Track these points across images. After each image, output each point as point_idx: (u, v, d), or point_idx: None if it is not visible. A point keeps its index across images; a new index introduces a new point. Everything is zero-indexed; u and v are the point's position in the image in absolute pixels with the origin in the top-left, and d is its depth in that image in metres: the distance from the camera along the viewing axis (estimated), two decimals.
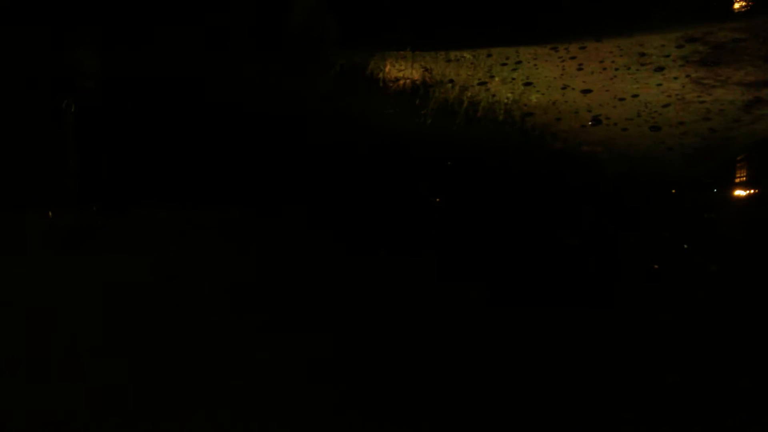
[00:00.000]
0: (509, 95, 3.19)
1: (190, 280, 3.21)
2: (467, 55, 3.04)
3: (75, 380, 2.63)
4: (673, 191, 3.49)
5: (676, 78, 3.09)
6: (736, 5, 3.04)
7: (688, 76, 3.12)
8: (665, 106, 3.24)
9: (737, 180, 3.45)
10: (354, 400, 2.61)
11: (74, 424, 2.39)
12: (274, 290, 3.30)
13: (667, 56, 3.11)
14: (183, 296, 3.12)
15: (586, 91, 3.20)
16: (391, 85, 3.16)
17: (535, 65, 3.11)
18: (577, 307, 3.23)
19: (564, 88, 3.22)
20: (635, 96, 3.22)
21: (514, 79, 3.14)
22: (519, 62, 3.08)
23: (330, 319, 3.19)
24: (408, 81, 3.20)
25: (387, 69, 3.11)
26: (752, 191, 3.43)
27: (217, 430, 2.39)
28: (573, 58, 3.04)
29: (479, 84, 3.16)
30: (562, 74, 3.18)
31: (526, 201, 3.52)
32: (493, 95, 3.26)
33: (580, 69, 3.10)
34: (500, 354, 2.87)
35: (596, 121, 3.30)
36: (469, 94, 3.15)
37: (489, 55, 3.02)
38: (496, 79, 3.11)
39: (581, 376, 2.76)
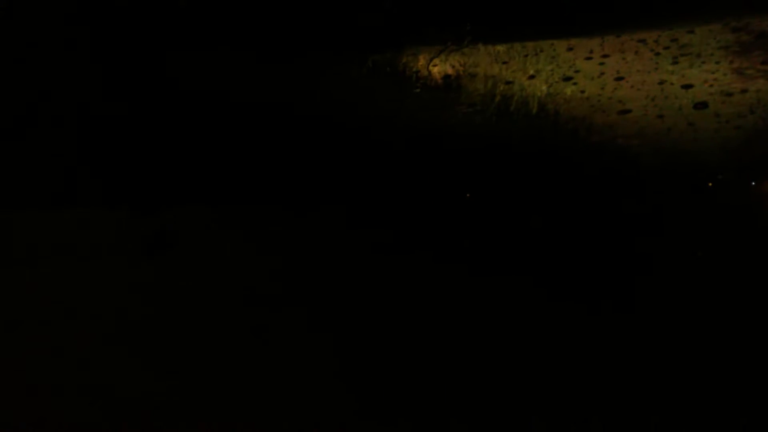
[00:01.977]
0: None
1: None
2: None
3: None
4: (710, 184, 3.37)
5: (717, 69, 2.91)
6: None
7: (730, 65, 2.94)
8: (705, 98, 3.06)
9: None
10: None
11: None
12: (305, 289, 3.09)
13: (710, 46, 2.93)
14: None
15: (618, 79, 2.99)
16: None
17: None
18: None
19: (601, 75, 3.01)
20: (674, 86, 3.03)
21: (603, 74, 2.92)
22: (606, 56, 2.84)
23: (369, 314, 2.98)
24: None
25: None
26: None
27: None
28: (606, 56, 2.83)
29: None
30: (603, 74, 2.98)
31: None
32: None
33: (619, 79, 2.90)
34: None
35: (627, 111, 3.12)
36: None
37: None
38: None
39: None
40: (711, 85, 2.85)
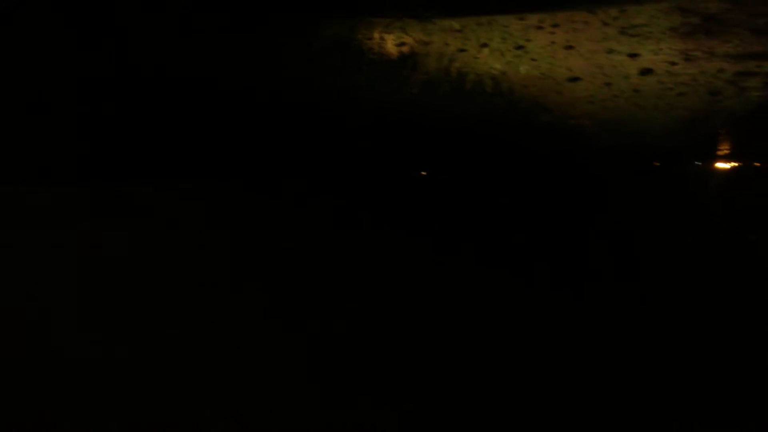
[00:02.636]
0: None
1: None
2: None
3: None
4: (656, 164, 3.51)
5: (663, 50, 3.02)
6: None
7: (676, 47, 3.05)
8: (651, 78, 3.18)
9: (720, 153, 3.48)
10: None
11: None
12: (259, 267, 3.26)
13: (657, 27, 3.03)
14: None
15: (568, 48, 3.09)
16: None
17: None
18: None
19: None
20: (622, 68, 3.15)
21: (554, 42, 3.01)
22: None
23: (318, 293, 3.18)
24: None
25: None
26: (735, 164, 3.47)
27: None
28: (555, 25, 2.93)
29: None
30: (552, 43, 3.07)
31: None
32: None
33: (569, 48, 3.00)
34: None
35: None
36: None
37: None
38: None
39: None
40: (656, 54, 2.96)
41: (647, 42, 3.00)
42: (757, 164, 3.45)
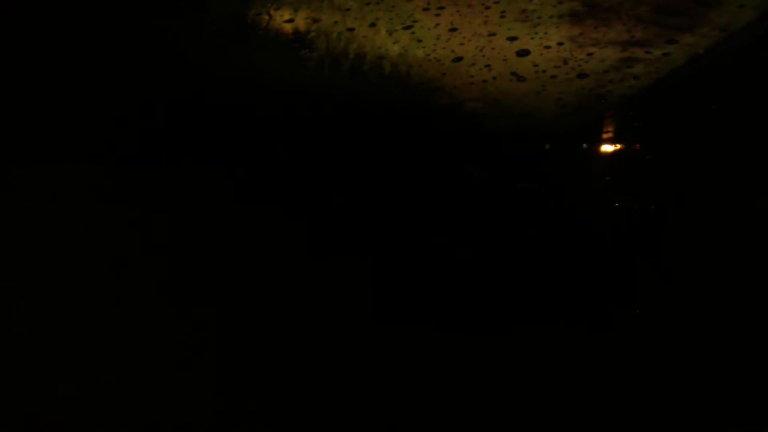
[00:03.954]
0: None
1: None
2: None
3: None
4: (548, 146, 3.67)
5: (546, 34, 3.15)
6: None
7: (565, 33, 3.19)
8: (543, 63, 3.32)
9: (605, 135, 3.66)
10: None
11: None
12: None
13: (546, 13, 3.15)
14: None
15: (452, 30, 3.19)
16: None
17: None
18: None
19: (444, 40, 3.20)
20: (514, 53, 3.27)
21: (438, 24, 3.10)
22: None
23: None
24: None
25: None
26: (618, 146, 3.66)
27: None
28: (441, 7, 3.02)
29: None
30: (437, 25, 3.16)
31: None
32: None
33: (453, 30, 3.10)
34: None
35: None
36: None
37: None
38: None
39: None
40: (532, 38, 3.10)
41: (527, 26, 3.13)
42: (638, 146, 3.65)
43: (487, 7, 3.06)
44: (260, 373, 2.94)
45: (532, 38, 3.10)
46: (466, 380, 2.95)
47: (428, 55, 3.17)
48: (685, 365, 3.06)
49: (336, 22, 3.10)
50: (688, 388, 2.96)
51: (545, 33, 3.08)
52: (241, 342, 3.08)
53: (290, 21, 3.06)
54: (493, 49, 3.12)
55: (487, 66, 3.20)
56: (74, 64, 3.14)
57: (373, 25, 3.11)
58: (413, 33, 3.12)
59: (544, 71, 3.24)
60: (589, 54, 3.21)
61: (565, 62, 3.20)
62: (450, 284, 3.18)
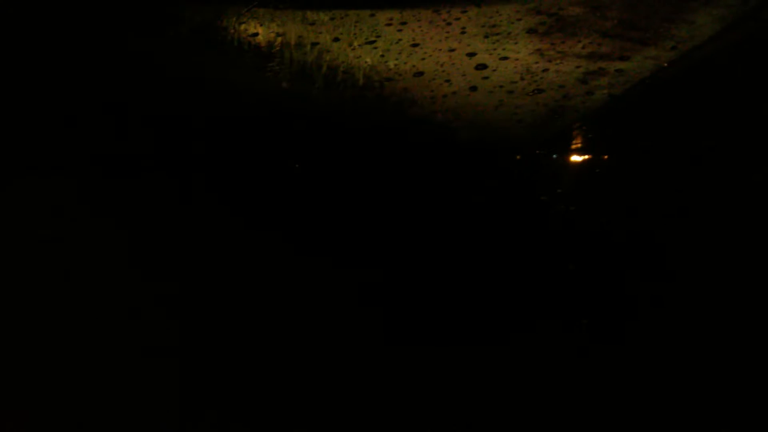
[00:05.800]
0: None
1: None
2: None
3: None
4: (518, 157, 3.74)
5: (512, 50, 3.22)
6: None
7: (524, 49, 3.25)
8: (513, 75, 3.38)
9: (573, 146, 3.72)
10: None
11: None
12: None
13: (516, 27, 3.21)
14: None
15: (414, 45, 3.26)
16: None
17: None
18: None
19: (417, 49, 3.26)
20: (473, 67, 3.34)
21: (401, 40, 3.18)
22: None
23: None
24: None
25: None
26: (587, 157, 3.72)
27: None
28: (403, 23, 3.09)
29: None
30: (399, 40, 3.22)
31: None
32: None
33: (415, 45, 3.17)
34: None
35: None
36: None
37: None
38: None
39: None
40: (490, 54, 3.16)
41: (487, 42, 3.20)
42: (606, 157, 3.70)
43: (449, 23, 3.13)
44: (256, 380, 3.01)
45: (491, 54, 3.16)
46: (459, 388, 3.02)
47: (390, 69, 3.24)
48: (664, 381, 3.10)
49: (300, 37, 3.17)
50: (684, 396, 2.98)
51: (504, 48, 3.14)
52: (232, 346, 3.15)
53: (255, 35, 3.14)
54: (453, 64, 3.19)
55: (447, 81, 3.27)
56: (49, 75, 3.21)
57: (336, 39, 3.18)
58: (376, 48, 3.19)
59: (501, 86, 3.30)
60: (545, 70, 3.27)
61: (522, 78, 3.26)
62: (406, 296, 3.26)
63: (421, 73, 3.24)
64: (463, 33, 3.07)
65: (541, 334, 3.19)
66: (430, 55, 3.16)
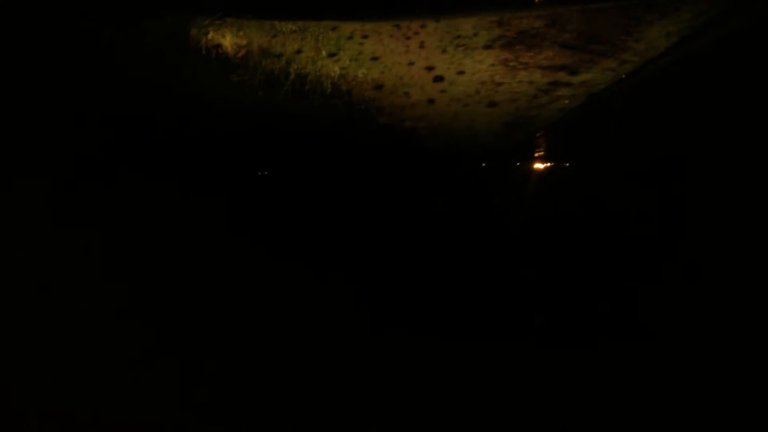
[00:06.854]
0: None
1: None
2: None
3: None
4: (483, 164, 3.83)
5: (469, 64, 3.30)
6: None
7: (481, 63, 3.33)
8: (478, 86, 3.46)
9: (536, 154, 3.81)
10: None
11: None
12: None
13: (479, 39, 3.29)
14: None
15: (374, 59, 3.33)
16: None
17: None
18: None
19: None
20: (449, 76, 3.42)
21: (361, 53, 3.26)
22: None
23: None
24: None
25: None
26: (549, 164, 3.82)
27: None
28: (365, 36, 3.16)
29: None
30: (360, 54, 3.30)
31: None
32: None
33: (375, 59, 3.26)
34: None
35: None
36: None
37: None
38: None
39: None
40: (448, 68, 3.25)
41: (445, 56, 3.28)
42: (566, 164, 3.80)
43: (408, 38, 3.21)
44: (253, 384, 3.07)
45: (448, 68, 3.25)
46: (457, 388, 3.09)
47: (352, 80, 3.32)
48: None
49: (262, 49, 3.25)
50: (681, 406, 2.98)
51: (460, 63, 3.23)
52: (223, 349, 3.22)
53: (218, 46, 3.21)
54: (411, 77, 3.27)
55: (406, 93, 3.35)
56: (19, 78, 3.26)
57: (299, 51, 3.25)
58: (337, 60, 3.27)
59: (457, 99, 3.39)
60: (500, 84, 3.36)
61: (477, 92, 3.35)
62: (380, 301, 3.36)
63: (381, 86, 3.33)
64: (421, 47, 3.16)
65: (499, 336, 3.29)
66: (390, 69, 3.24)
